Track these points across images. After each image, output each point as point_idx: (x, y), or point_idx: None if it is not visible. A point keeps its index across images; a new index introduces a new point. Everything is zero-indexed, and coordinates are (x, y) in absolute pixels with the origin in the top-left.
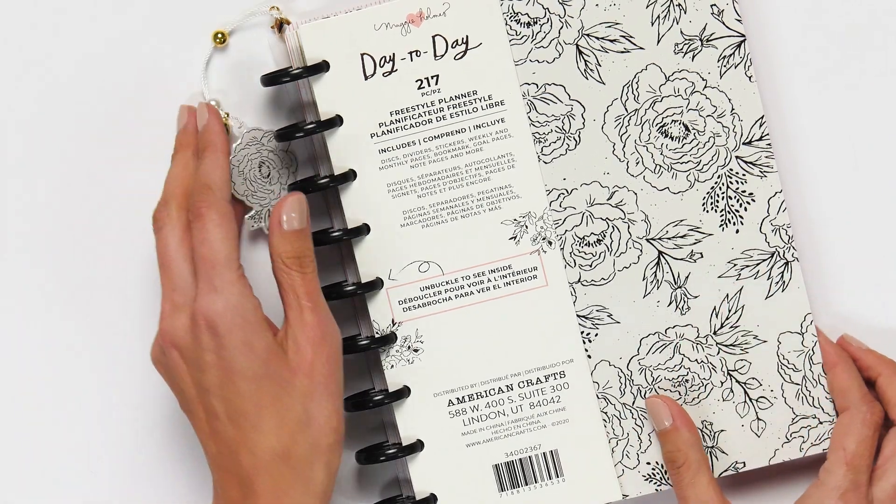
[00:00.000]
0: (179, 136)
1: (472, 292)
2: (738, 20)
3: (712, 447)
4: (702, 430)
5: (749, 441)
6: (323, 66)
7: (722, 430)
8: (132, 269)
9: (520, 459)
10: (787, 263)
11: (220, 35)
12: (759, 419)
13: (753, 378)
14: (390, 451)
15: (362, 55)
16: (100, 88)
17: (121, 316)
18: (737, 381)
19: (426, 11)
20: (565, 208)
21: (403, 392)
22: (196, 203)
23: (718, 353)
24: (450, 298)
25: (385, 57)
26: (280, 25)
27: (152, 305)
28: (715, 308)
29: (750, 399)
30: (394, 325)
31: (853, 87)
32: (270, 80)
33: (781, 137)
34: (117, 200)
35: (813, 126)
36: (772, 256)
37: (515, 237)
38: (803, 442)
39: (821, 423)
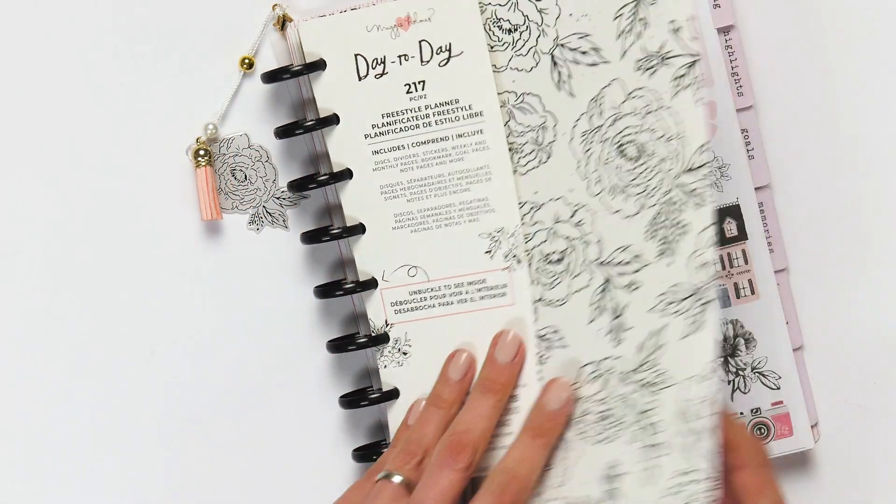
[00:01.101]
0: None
1: (452, 302)
2: (695, 38)
3: (614, 489)
4: (608, 473)
5: (644, 487)
6: (320, 65)
7: (627, 473)
8: (134, 268)
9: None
10: (704, 304)
11: (246, 60)
12: (657, 466)
13: (659, 421)
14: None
15: (356, 56)
16: (99, 87)
17: (122, 315)
18: (645, 423)
19: (413, 16)
20: (535, 223)
21: (394, 393)
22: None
23: (635, 391)
24: (433, 306)
25: (377, 59)
26: (283, 23)
27: (153, 304)
28: (641, 343)
29: (651, 444)
30: (387, 325)
31: (849, 86)
32: (271, 76)
33: (771, 136)
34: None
35: (803, 124)
36: (692, 295)
37: (490, 252)
38: (690, 497)
39: (703, 480)
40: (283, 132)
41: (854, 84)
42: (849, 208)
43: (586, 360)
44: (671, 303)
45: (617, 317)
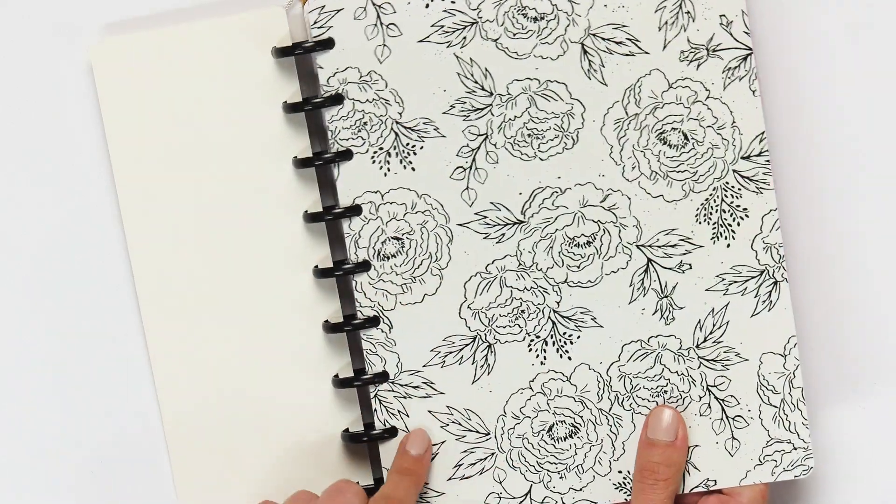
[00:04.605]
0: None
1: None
2: (747, 33)
3: (686, 461)
4: None
5: (722, 459)
6: (329, 43)
7: (696, 446)
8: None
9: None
10: (775, 283)
11: None
12: (733, 438)
13: (732, 396)
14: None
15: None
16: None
17: (120, 316)
18: (715, 397)
19: None
20: (557, 207)
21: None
22: None
23: (699, 366)
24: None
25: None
26: None
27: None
28: (699, 321)
29: (727, 417)
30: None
31: (865, 98)
32: (282, 52)
33: (787, 150)
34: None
35: (823, 140)
36: (761, 274)
37: None
38: (775, 466)
39: (795, 448)
40: (292, 108)
41: (862, 108)
42: (850, 224)
43: (629, 338)
44: (734, 282)
45: (664, 296)
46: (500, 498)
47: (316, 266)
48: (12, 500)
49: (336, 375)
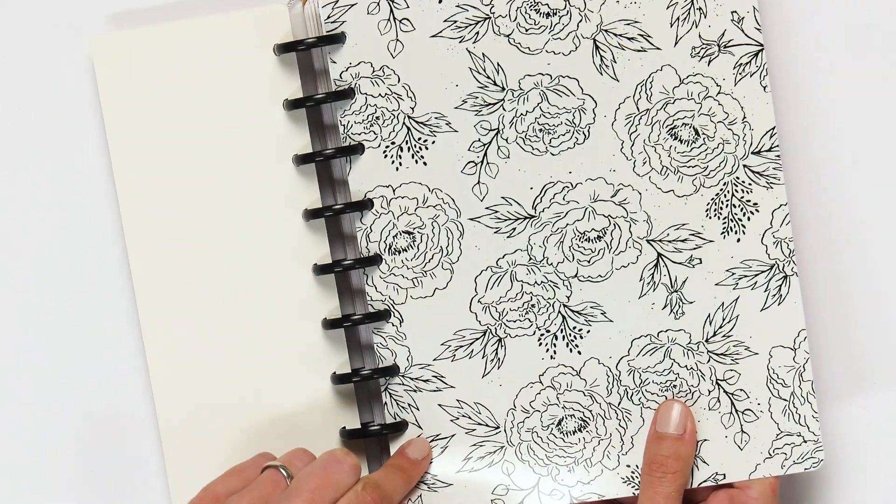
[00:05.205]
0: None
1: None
2: (758, 29)
3: (694, 456)
4: None
5: (731, 453)
6: (340, 38)
7: (705, 440)
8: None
9: None
10: (785, 277)
11: None
12: (743, 432)
13: (741, 389)
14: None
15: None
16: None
17: (120, 315)
18: (724, 391)
19: None
20: (568, 202)
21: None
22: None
23: (709, 361)
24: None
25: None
26: None
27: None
28: (709, 316)
29: (736, 410)
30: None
31: (875, 94)
32: (284, 48)
33: (798, 148)
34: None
35: (831, 136)
36: (771, 269)
37: None
38: (785, 459)
39: (805, 441)
40: (293, 104)
41: (872, 104)
42: (860, 218)
43: (639, 332)
44: (743, 277)
45: (674, 291)
46: (507, 490)
47: (315, 263)
48: (12, 500)
49: (334, 373)
